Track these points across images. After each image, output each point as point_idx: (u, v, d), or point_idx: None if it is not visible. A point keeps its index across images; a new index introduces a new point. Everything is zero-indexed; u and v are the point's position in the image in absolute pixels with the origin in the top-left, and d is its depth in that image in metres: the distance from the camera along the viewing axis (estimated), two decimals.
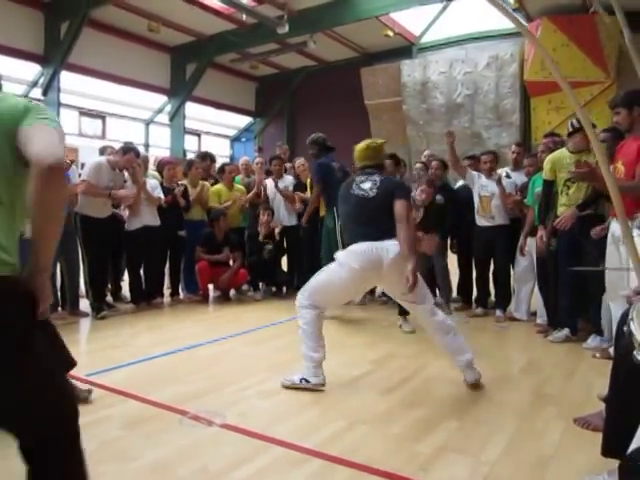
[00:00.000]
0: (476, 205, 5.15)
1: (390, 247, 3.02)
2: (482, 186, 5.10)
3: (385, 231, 3.08)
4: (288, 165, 6.99)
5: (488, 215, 5.07)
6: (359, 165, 3.43)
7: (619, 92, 3.61)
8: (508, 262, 5.08)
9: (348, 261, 3.06)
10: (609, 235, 3.42)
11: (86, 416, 2.54)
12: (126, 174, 5.35)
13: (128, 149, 5.18)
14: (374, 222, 3.12)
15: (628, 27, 1.81)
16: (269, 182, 6.46)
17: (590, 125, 1.87)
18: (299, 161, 6.54)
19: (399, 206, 3.08)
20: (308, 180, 6.11)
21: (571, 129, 4.10)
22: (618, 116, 3.32)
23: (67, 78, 12.69)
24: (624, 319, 1.99)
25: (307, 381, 3.10)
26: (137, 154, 5.28)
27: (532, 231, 4.68)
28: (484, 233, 5.08)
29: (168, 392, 3.01)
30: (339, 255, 3.18)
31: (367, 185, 3.23)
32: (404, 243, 3.00)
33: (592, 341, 4.00)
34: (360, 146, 3.42)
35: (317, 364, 3.13)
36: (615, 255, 3.36)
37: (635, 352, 1.58)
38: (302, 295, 3.20)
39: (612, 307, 3.44)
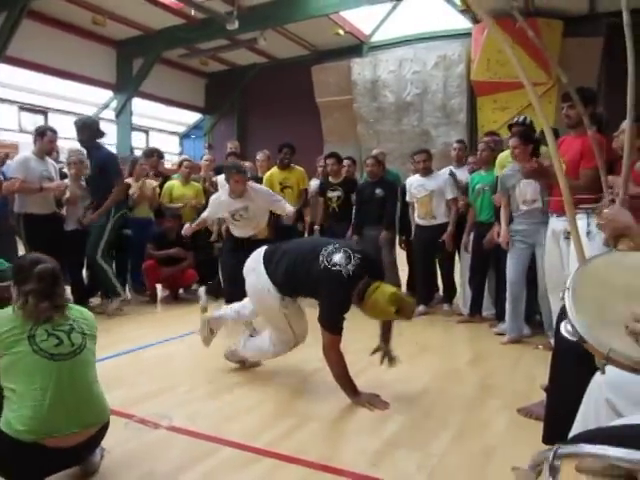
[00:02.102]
0: (416, 210, 5.16)
1: None
2: (419, 186, 5.07)
3: None
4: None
5: (429, 216, 5.03)
6: None
7: (565, 89, 3.55)
8: (452, 258, 5.19)
9: None
10: (549, 231, 3.52)
11: None
12: (65, 169, 5.17)
13: (42, 131, 4.92)
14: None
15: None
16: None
17: (549, 127, 1.93)
18: (260, 156, 6.39)
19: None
20: (266, 176, 5.92)
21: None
22: (572, 110, 3.30)
23: (5, 72, 12.15)
24: (563, 312, 2.05)
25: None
26: (53, 132, 4.99)
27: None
28: (425, 232, 5.08)
29: (113, 396, 2.90)
30: None
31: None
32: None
33: (501, 325, 4.32)
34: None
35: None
36: (555, 251, 3.46)
37: (564, 323, 1.59)
38: None
39: (551, 300, 3.54)
